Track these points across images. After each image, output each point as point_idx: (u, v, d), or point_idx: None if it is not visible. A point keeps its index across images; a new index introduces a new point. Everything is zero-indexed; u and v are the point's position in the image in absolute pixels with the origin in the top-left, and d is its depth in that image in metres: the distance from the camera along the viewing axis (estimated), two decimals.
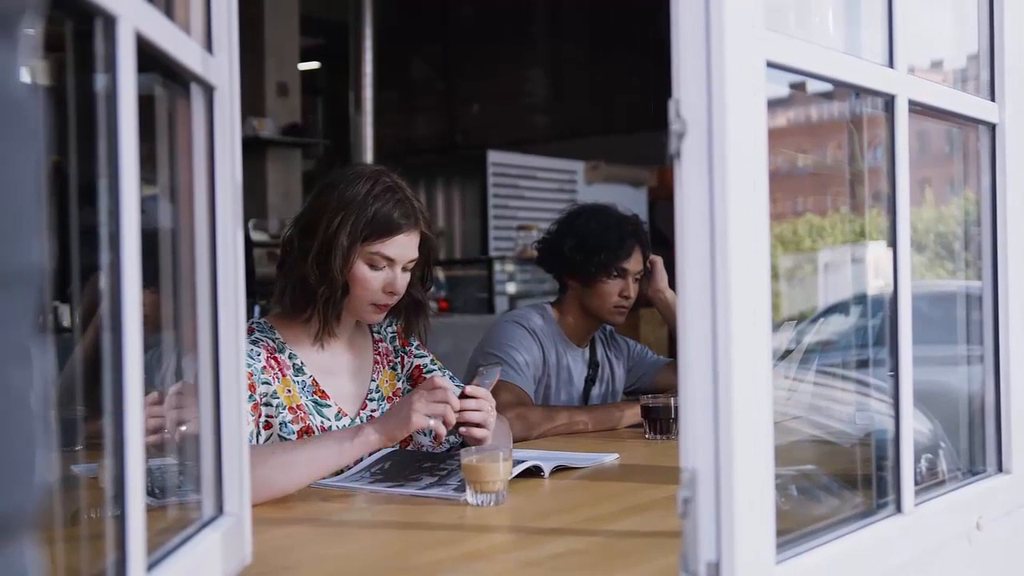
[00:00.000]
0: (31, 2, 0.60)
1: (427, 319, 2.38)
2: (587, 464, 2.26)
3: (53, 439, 0.61)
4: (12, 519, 0.56)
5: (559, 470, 2.16)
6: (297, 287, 2.20)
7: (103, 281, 1.01)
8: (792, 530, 1.33)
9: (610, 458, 2.34)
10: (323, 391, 2.22)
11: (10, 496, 0.56)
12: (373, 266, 2.19)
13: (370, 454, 2.11)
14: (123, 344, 1.01)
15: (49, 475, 0.60)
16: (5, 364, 0.56)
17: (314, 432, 2.15)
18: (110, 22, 1.00)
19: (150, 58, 1.12)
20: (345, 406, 2.25)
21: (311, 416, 2.17)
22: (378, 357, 2.37)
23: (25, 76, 0.60)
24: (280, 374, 2.17)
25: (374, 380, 2.34)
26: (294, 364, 2.21)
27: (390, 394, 2.35)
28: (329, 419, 2.20)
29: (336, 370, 2.28)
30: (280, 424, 2.13)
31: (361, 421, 2.24)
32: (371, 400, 2.31)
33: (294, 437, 2.13)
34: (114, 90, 1.01)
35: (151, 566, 1.09)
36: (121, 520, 1.01)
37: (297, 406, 2.16)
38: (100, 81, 1.02)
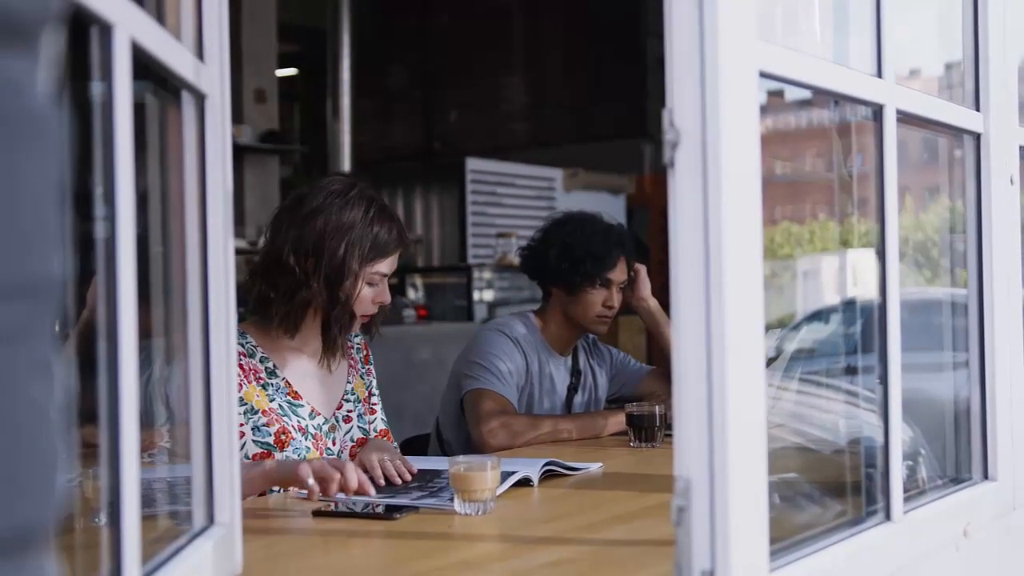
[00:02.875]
0: (52, 13, 0.60)
1: (384, 316, 2.43)
2: (574, 469, 2.26)
3: (71, 451, 0.60)
4: (34, 532, 0.56)
5: (548, 477, 2.17)
6: (300, 310, 2.25)
7: (99, 289, 1.00)
8: (785, 538, 1.33)
9: (595, 467, 2.34)
10: (296, 392, 2.29)
11: (32, 509, 0.56)
12: (370, 284, 2.29)
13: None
14: (118, 353, 1.00)
15: (66, 488, 0.59)
16: (27, 377, 0.55)
17: (290, 432, 2.22)
18: (106, 30, 1.00)
19: (142, 66, 1.11)
20: (319, 407, 2.32)
21: (286, 417, 2.24)
22: (352, 362, 2.46)
23: (45, 86, 0.59)
24: (247, 380, 2.22)
25: (349, 382, 2.42)
26: (266, 367, 2.27)
27: (363, 397, 2.44)
28: (304, 418, 2.28)
29: (311, 373, 2.34)
30: (253, 428, 2.19)
31: (336, 420, 2.35)
32: (347, 400, 2.40)
33: (271, 439, 2.20)
34: (110, 98, 1.00)
35: None
36: (116, 530, 1.00)
37: (269, 409, 2.23)
38: (95, 88, 1.02)
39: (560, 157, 8.80)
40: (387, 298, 2.32)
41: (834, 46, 1.78)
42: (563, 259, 2.98)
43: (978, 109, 1.84)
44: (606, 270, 2.98)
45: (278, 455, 2.19)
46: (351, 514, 1.86)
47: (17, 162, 0.56)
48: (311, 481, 1.89)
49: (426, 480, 2.12)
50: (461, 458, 1.93)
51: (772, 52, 1.27)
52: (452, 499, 1.87)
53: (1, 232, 0.55)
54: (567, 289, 3.00)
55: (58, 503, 0.58)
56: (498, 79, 10.21)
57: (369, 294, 2.29)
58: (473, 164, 8.24)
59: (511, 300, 7.49)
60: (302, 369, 2.32)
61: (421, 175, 8.96)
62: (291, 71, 10.05)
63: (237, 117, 7.37)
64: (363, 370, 2.48)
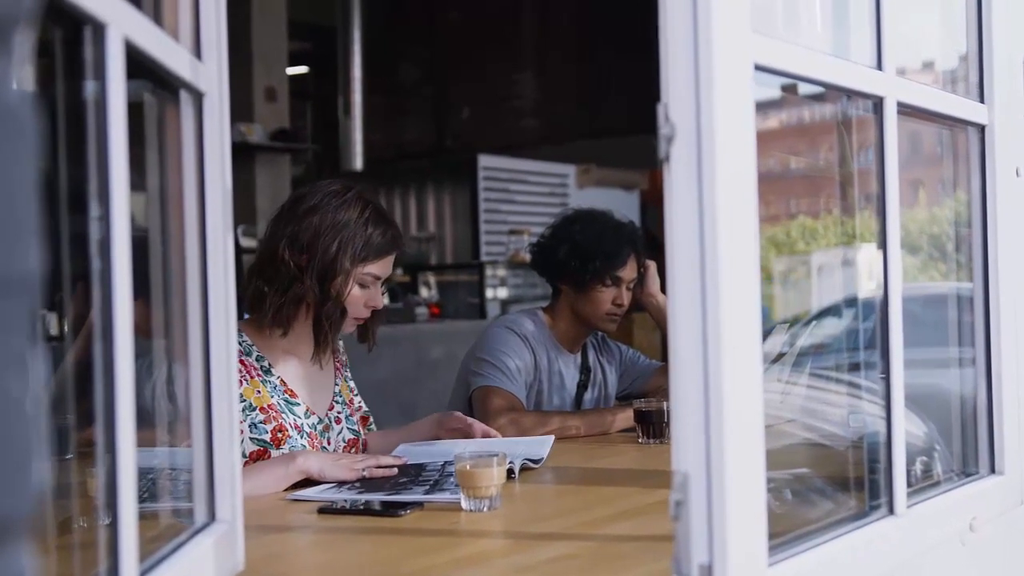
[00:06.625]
0: (26, 10, 0.60)
1: (381, 323, 2.46)
2: (536, 461, 2.26)
3: (48, 445, 0.61)
4: (9, 524, 0.56)
5: (554, 472, 2.17)
6: (293, 305, 2.28)
7: (94, 289, 1.00)
8: (785, 532, 1.33)
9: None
10: (292, 390, 2.33)
11: (7, 501, 0.56)
12: (362, 285, 2.31)
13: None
14: (114, 352, 1.00)
15: (45, 481, 0.60)
16: (3, 371, 0.56)
17: (287, 429, 2.26)
18: (99, 29, 1.00)
19: (138, 64, 1.12)
20: (312, 406, 2.36)
21: (283, 415, 2.27)
22: (338, 365, 2.50)
23: (19, 84, 0.60)
24: (248, 376, 2.26)
25: (336, 384, 2.47)
26: (262, 366, 2.30)
27: (347, 400, 2.48)
28: (299, 416, 2.31)
29: (303, 374, 2.38)
30: (251, 426, 2.22)
31: (328, 420, 2.39)
32: (336, 402, 2.44)
33: (267, 436, 2.23)
34: (103, 97, 1.01)
35: (143, 573, 1.09)
36: (113, 527, 1.00)
37: (268, 406, 2.26)
38: (89, 88, 1.02)
39: (572, 153, 8.80)
40: (379, 303, 2.35)
41: (836, 40, 1.77)
42: (573, 256, 2.97)
43: (983, 101, 1.83)
44: (616, 268, 2.97)
45: (274, 453, 2.20)
46: (356, 511, 1.86)
47: None
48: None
49: (413, 476, 2.12)
50: (467, 454, 1.93)
51: (767, 45, 1.27)
52: (455, 492, 1.87)
53: None
54: (576, 286, 3.00)
55: (35, 496, 0.59)
56: (509, 75, 10.19)
57: (360, 296, 2.31)
58: (485, 161, 8.25)
59: (524, 297, 7.49)
60: (295, 369, 2.36)
61: (433, 172, 8.97)
62: (302, 69, 10.05)
63: (248, 116, 7.38)
64: (346, 374, 2.53)
